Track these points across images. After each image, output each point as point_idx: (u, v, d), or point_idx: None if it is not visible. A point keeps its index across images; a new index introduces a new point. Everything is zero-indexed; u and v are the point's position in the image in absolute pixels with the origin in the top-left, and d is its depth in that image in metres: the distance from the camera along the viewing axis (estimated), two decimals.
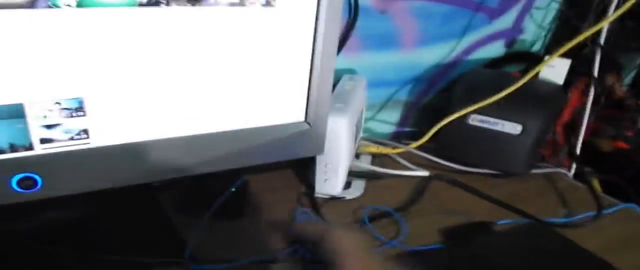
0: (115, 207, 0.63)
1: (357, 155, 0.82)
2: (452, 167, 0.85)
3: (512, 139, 0.81)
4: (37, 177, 0.47)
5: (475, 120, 0.83)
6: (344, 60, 0.86)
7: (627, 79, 1.26)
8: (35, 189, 0.48)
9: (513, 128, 0.81)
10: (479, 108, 0.82)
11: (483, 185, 0.80)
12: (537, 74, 0.87)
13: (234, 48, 0.51)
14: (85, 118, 0.48)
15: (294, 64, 0.55)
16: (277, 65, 0.54)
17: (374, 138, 0.90)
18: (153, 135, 0.52)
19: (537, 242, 0.68)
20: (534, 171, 0.88)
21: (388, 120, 0.99)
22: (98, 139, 0.49)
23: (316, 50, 0.55)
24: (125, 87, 0.48)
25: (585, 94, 0.91)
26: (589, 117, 0.97)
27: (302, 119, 0.59)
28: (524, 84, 0.83)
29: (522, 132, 0.81)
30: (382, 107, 0.97)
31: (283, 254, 0.54)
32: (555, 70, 0.87)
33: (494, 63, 1.04)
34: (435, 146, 0.87)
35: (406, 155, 0.85)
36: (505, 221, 0.71)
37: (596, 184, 1.00)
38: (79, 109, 0.47)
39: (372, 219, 0.68)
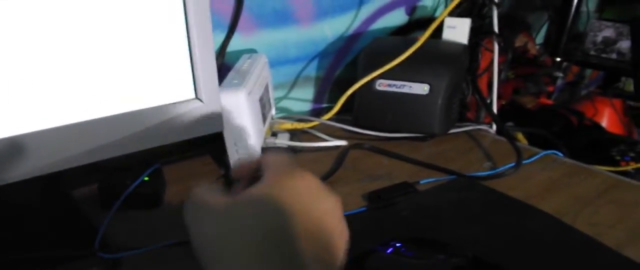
0: (26, 206, 0.61)
1: (275, 134, 0.79)
2: (372, 135, 0.83)
3: (422, 100, 0.81)
4: None
5: (382, 85, 0.83)
6: (242, 41, 0.84)
7: (539, 38, 1.29)
8: None
9: (420, 88, 0.81)
10: (384, 72, 0.82)
11: (405, 150, 0.79)
12: (439, 36, 0.88)
13: (104, 29, 0.49)
14: None
15: (170, 40, 0.53)
16: (152, 42, 0.52)
17: (291, 116, 0.88)
18: (36, 126, 0.48)
19: (461, 195, 0.67)
20: (456, 131, 0.88)
21: (303, 98, 0.98)
22: None
23: (190, 24, 0.53)
24: None
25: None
26: (501, 74, 0.98)
27: (193, 95, 0.57)
28: (428, 46, 0.83)
29: (430, 91, 0.81)
30: (293, 85, 0.95)
31: None
32: (457, 30, 0.88)
33: (399, 31, 1.04)
34: (352, 117, 0.85)
35: (326, 130, 0.83)
36: (428, 180, 0.70)
37: (521, 137, 1.00)
38: None
39: None
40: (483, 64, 0.96)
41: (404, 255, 0.51)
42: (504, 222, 0.61)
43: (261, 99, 0.71)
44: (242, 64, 0.73)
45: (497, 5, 0.89)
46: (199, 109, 0.57)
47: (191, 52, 0.55)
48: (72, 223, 0.59)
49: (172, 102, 0.56)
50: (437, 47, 0.86)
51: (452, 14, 0.88)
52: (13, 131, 0.47)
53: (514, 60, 1.11)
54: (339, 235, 0.37)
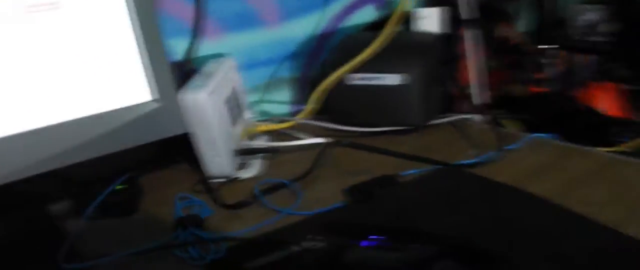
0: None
1: (252, 137, 0.77)
2: (356, 132, 0.81)
3: (396, 91, 0.78)
4: None
5: (354, 80, 0.80)
6: (209, 45, 0.82)
7: (523, 27, 1.27)
8: None
9: (393, 79, 0.78)
10: (355, 67, 0.80)
11: (387, 144, 0.75)
12: (408, 27, 0.88)
13: (52, 35, 0.49)
14: None
15: (118, 43, 0.53)
16: (102, 46, 0.53)
17: (270, 119, 0.86)
18: None
19: (444, 184, 0.64)
20: (439, 121, 0.85)
21: (280, 100, 0.96)
22: None
23: (135, 27, 0.53)
24: None
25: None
26: (487, 64, 0.96)
27: (150, 98, 0.56)
28: (399, 37, 0.81)
29: (403, 80, 0.78)
30: (268, 87, 0.93)
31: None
32: (428, 20, 0.87)
33: (371, 28, 1.01)
34: (329, 115, 0.83)
35: (307, 129, 0.82)
36: (410, 171, 0.67)
37: (514, 125, 0.98)
38: None
39: (266, 192, 0.64)
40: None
41: (381, 247, 0.48)
42: (490, 207, 0.58)
43: (228, 101, 0.69)
44: (207, 67, 0.72)
45: None
46: (158, 111, 0.56)
47: (141, 54, 0.55)
48: (43, 235, 0.58)
49: (129, 104, 0.55)
50: (407, 37, 0.85)
51: (427, 5, 0.85)
52: None
53: (498, 51, 1.08)
54: None
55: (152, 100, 0.56)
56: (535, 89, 1.21)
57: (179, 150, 0.75)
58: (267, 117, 0.92)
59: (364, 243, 0.49)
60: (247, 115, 0.79)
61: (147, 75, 0.55)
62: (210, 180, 0.67)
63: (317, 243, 0.52)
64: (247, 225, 0.57)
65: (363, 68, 0.80)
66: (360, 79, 0.80)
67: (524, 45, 1.18)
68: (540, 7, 1.20)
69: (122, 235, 0.58)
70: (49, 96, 0.50)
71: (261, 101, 0.93)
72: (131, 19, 0.53)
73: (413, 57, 0.79)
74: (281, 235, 0.54)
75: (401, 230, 0.52)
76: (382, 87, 0.79)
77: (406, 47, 0.81)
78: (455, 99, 0.95)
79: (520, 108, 1.09)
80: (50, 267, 0.50)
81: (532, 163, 0.69)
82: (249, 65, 0.88)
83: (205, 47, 0.81)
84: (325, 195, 0.63)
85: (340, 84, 0.81)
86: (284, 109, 0.97)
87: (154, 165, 0.74)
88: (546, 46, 1.24)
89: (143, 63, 0.55)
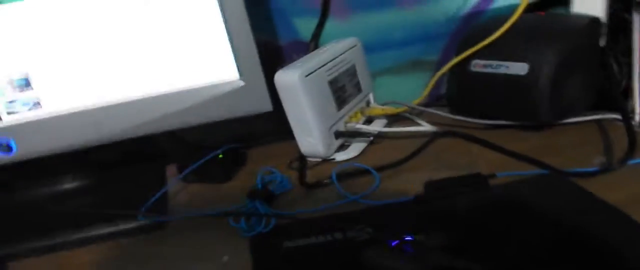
0: (123, 173, 0.73)
1: (371, 120, 0.78)
2: (477, 123, 0.76)
3: (522, 81, 0.70)
4: (10, 142, 0.61)
5: (477, 66, 0.74)
6: (338, 25, 0.84)
7: None
8: (12, 153, 0.61)
9: (520, 68, 0.70)
10: (481, 52, 0.73)
11: (507, 140, 0.68)
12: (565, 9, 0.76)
13: (149, 18, 0.61)
14: (34, 91, 0.61)
15: (207, 23, 0.62)
16: (192, 26, 0.62)
17: (395, 102, 0.85)
18: (95, 102, 0.62)
19: (537, 192, 0.56)
20: (583, 119, 0.73)
21: (417, 84, 0.92)
22: (49, 108, 0.62)
23: (224, 14, 0.62)
24: (62, 62, 0.60)
25: None
26: None
27: (236, 76, 0.64)
28: (539, 20, 0.72)
29: (530, 70, 0.69)
30: (403, 70, 0.90)
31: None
32: (587, 2, 0.73)
33: (530, 9, 0.90)
34: (450, 104, 0.79)
35: (430, 116, 0.80)
36: (507, 173, 0.61)
37: None
38: (27, 84, 0.60)
39: (348, 176, 0.66)
40: None
41: (403, 251, 0.47)
42: (574, 226, 0.49)
43: (335, 82, 0.71)
44: (323, 47, 0.75)
45: None
46: (243, 89, 0.64)
47: (230, 34, 0.62)
48: (144, 189, 0.67)
49: (217, 82, 0.64)
50: (549, 21, 0.74)
51: None
52: (78, 106, 0.62)
53: None
54: None
55: (238, 79, 0.64)
56: None
57: None
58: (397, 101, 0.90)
59: (393, 243, 0.49)
60: (368, 97, 0.81)
61: (233, 57, 0.63)
62: (308, 159, 0.71)
63: (362, 234, 0.53)
64: (313, 206, 0.60)
65: (491, 54, 0.73)
66: (484, 67, 0.73)
67: None
68: None
69: (204, 199, 0.66)
70: (145, 71, 0.62)
71: (394, 84, 0.92)
72: (220, 9, 0.61)
73: (544, 44, 0.69)
74: (338, 221, 0.56)
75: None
76: (508, 76, 0.71)
77: (540, 32, 0.71)
78: (617, 97, 0.83)
79: None
80: (129, 215, 0.60)
81: None
82: (382, 46, 0.87)
83: (335, 27, 0.83)
84: (408, 187, 0.61)
85: (463, 71, 0.76)
86: (419, 93, 0.94)
87: (268, 139, 0.81)
88: None
89: (232, 41, 0.63)
